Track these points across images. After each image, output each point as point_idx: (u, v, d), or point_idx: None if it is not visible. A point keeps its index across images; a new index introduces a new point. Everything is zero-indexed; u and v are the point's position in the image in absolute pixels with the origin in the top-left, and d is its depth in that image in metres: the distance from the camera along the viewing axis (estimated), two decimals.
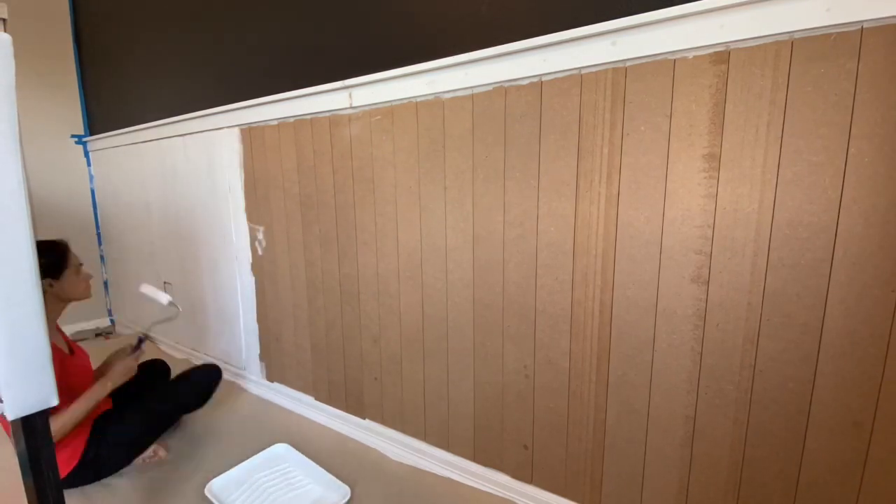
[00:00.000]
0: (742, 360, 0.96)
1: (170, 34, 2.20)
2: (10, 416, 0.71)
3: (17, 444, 0.77)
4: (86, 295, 1.38)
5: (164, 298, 1.53)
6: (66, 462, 1.29)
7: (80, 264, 1.37)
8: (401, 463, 1.55)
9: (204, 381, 1.68)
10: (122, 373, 1.40)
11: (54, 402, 0.76)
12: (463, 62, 1.20)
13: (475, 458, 1.42)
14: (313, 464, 1.44)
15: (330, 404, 1.80)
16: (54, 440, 1.14)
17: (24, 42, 2.50)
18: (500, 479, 1.37)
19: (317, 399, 1.85)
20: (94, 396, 1.31)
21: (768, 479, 0.97)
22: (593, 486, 1.21)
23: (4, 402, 0.71)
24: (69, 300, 1.34)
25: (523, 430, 1.30)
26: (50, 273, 1.27)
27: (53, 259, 1.28)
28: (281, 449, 1.54)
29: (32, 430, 0.75)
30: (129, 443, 1.42)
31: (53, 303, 1.31)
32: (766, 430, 0.96)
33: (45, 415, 0.76)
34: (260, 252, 1.94)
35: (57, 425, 1.21)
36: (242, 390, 2.12)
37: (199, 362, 2.40)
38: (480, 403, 1.38)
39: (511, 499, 1.35)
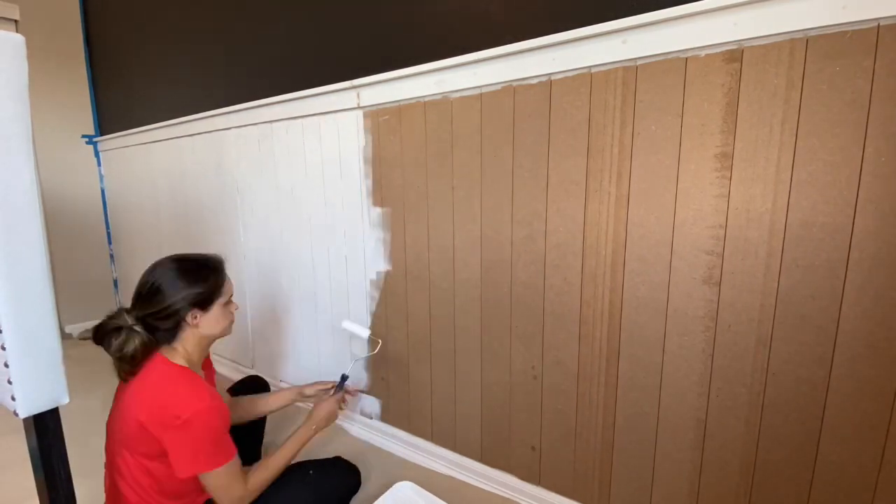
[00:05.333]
0: (754, 363, 0.95)
1: (179, 36, 2.21)
2: (23, 415, 0.72)
3: (28, 442, 0.77)
4: (228, 332, 1.10)
5: (364, 333, 1.44)
6: None
7: (232, 294, 1.10)
8: (406, 462, 1.55)
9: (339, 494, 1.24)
10: (326, 417, 1.23)
11: (65, 400, 0.76)
12: (471, 61, 1.19)
13: (482, 459, 1.42)
14: None
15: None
16: (252, 496, 1.01)
17: (35, 43, 2.53)
18: (508, 480, 1.36)
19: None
20: (298, 443, 1.15)
21: (781, 483, 0.96)
22: (602, 488, 1.20)
23: (16, 400, 0.71)
24: (212, 337, 1.07)
25: (531, 431, 1.30)
26: (199, 307, 1.01)
27: (207, 289, 1.02)
28: (407, 489, 1.27)
29: (44, 427, 0.76)
30: None
31: (193, 337, 1.03)
32: (778, 434, 0.94)
33: (55, 413, 0.76)
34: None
35: (257, 483, 1.03)
36: None
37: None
38: (488, 404, 1.37)
39: (518, 500, 1.34)
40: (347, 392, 1.33)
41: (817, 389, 0.89)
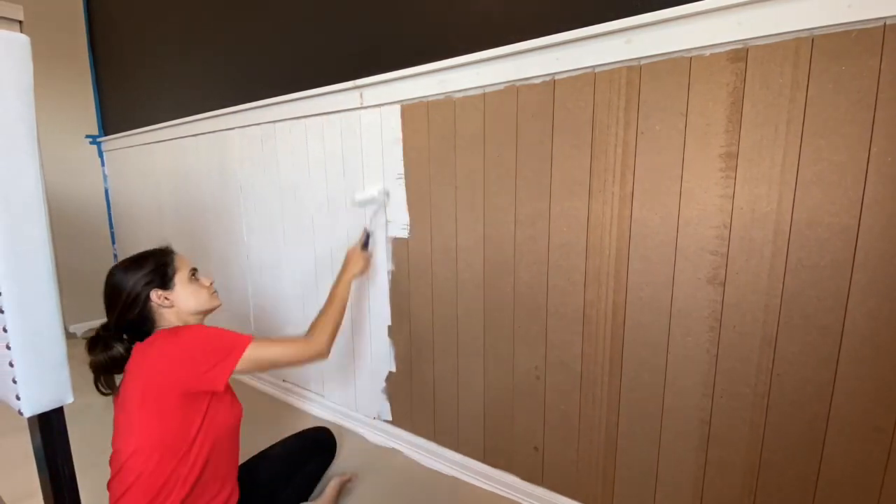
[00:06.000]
0: (759, 363, 0.94)
1: (183, 36, 2.22)
2: (27, 414, 0.72)
3: (33, 440, 0.77)
4: (214, 302, 1.11)
5: (375, 191, 1.48)
6: None
7: (195, 269, 1.10)
8: (408, 461, 1.55)
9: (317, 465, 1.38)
10: (357, 264, 1.37)
11: (69, 399, 0.76)
12: (474, 61, 1.19)
13: (485, 459, 1.42)
14: None
15: (339, 403, 1.81)
16: (327, 348, 1.16)
17: (39, 44, 2.53)
18: (510, 480, 1.36)
19: (325, 398, 1.85)
20: (340, 295, 1.27)
21: (785, 484, 0.95)
22: (605, 488, 1.19)
23: (21, 399, 0.71)
24: (199, 312, 1.08)
25: (534, 431, 1.29)
26: (158, 284, 1.01)
27: (152, 268, 1.02)
28: None
29: (49, 426, 0.76)
30: None
31: (176, 317, 1.04)
32: (783, 434, 0.94)
33: (60, 412, 0.77)
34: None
35: (323, 337, 1.16)
36: (252, 388, 2.14)
37: None
38: (491, 404, 1.37)
39: (521, 500, 1.34)
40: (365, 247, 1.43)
41: (822, 390, 0.89)
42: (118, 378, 1.02)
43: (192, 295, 1.06)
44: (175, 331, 0.99)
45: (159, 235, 2.57)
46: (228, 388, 1.04)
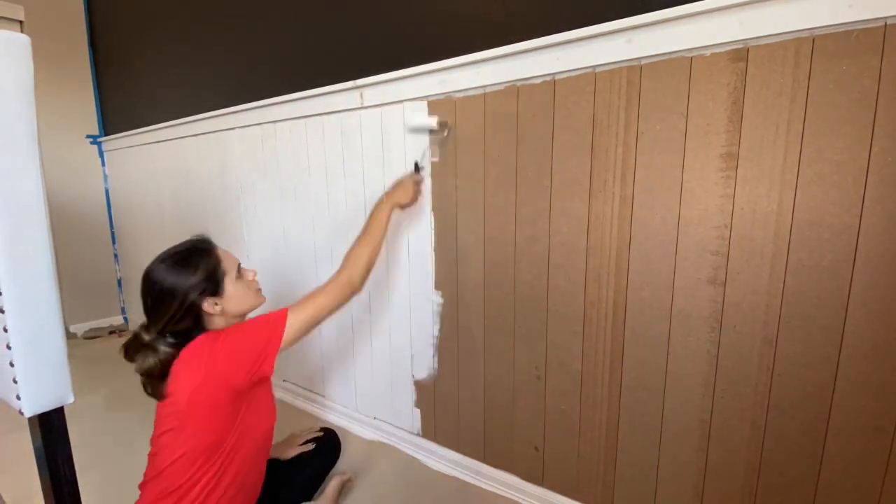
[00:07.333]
0: (760, 363, 0.94)
1: (183, 36, 2.21)
2: (28, 414, 0.72)
3: (33, 441, 0.77)
4: (259, 300, 1.08)
5: (431, 122, 1.29)
6: None
7: (238, 264, 1.05)
8: (409, 461, 1.55)
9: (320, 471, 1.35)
10: (405, 190, 1.25)
11: (70, 399, 0.76)
12: (475, 61, 1.19)
13: (485, 459, 1.42)
14: None
15: (340, 403, 1.81)
16: (361, 283, 1.12)
17: (39, 43, 2.53)
18: (511, 480, 1.36)
19: (326, 398, 1.85)
20: (376, 224, 1.17)
21: (786, 485, 0.95)
22: (605, 488, 1.19)
23: (22, 399, 0.71)
24: (243, 314, 1.06)
25: (534, 431, 1.29)
26: (210, 292, 0.97)
27: (204, 276, 0.96)
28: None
29: (49, 426, 0.76)
30: None
31: (224, 320, 1.01)
32: (784, 435, 0.94)
33: (61, 412, 0.77)
34: None
35: (356, 270, 1.11)
36: None
37: None
38: (491, 404, 1.37)
39: (521, 500, 1.34)
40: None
41: (823, 390, 0.89)
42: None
43: (241, 298, 1.03)
44: (218, 334, 0.96)
45: (160, 235, 2.57)
46: (269, 387, 1.03)
